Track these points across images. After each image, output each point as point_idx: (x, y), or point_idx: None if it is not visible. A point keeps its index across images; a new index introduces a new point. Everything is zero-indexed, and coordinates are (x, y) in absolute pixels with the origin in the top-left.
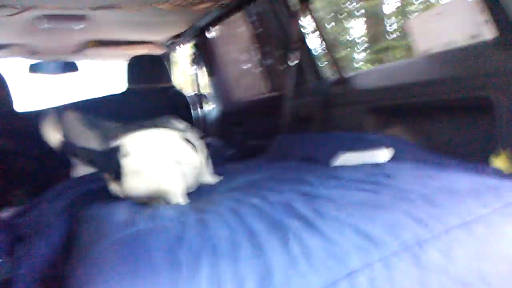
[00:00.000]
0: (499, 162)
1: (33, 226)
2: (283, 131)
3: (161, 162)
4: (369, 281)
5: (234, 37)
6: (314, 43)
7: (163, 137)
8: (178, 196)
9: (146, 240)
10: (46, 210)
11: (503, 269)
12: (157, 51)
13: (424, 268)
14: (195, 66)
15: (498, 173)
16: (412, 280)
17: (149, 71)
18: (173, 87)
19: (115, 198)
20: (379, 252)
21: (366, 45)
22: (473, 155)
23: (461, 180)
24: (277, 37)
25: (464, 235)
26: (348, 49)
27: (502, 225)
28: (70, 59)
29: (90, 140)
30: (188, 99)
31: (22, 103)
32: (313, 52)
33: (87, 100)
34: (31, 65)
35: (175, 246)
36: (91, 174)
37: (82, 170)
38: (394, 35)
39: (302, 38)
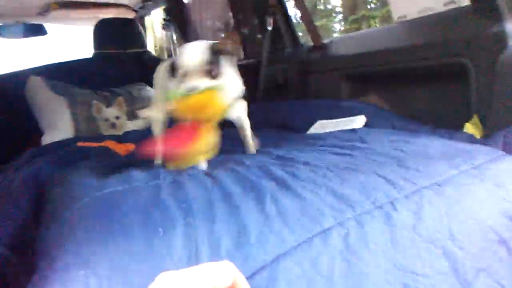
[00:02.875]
0: (470, 127)
1: (2, 192)
2: (259, 98)
3: None
4: (342, 238)
5: (208, 0)
6: (293, 8)
7: None
8: None
9: (119, 201)
10: (15, 176)
11: (470, 227)
12: (127, 15)
13: (395, 226)
14: (166, 31)
15: (470, 138)
16: (383, 237)
17: (119, 35)
18: (147, 52)
19: (86, 163)
20: (352, 211)
21: (341, 15)
22: (447, 121)
23: (433, 144)
24: (254, 1)
25: (434, 195)
26: (324, 19)
27: (471, 186)
28: (34, 22)
29: (59, 107)
30: None
31: None
32: (292, 18)
33: (54, 64)
34: None
35: (149, 207)
36: (60, 141)
37: (51, 137)
38: (372, 5)
39: (279, 2)
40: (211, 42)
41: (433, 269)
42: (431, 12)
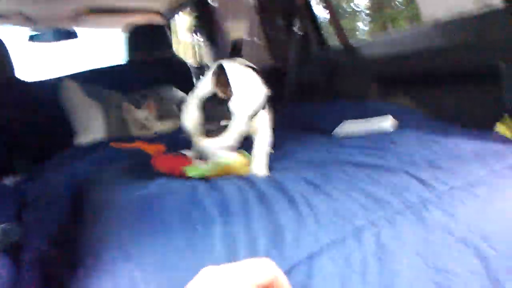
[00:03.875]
0: (502, 127)
1: (40, 192)
2: (286, 100)
3: None
4: (375, 237)
5: (236, 4)
6: (320, 11)
7: None
8: None
9: (160, 201)
10: (52, 176)
11: (503, 227)
12: (156, 20)
13: (428, 226)
14: (195, 36)
15: (502, 139)
16: (416, 237)
17: (149, 40)
18: (174, 55)
19: (120, 164)
20: (384, 211)
21: (366, 15)
22: (479, 123)
23: (465, 145)
24: (281, 4)
25: (466, 195)
26: (347, 19)
27: (503, 186)
28: (67, 27)
29: (93, 110)
30: (190, 67)
31: (23, 73)
32: (318, 19)
33: (88, 71)
34: (31, 35)
35: (188, 206)
36: (93, 143)
37: (84, 138)
38: (398, 4)
39: (307, 5)
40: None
41: (465, 268)
42: (462, 14)
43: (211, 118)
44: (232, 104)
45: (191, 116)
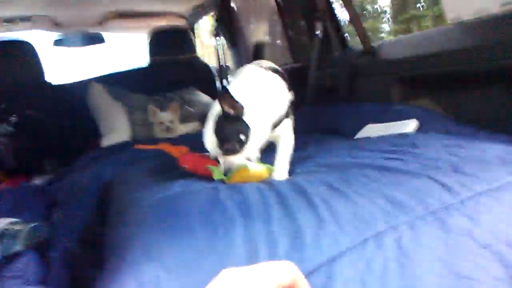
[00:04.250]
0: None
1: (67, 191)
2: (307, 102)
3: None
4: (396, 241)
5: (257, 6)
6: (340, 12)
7: None
8: None
9: (181, 202)
10: (79, 176)
11: None
12: (179, 22)
13: (450, 231)
14: (217, 37)
15: None
16: (437, 242)
17: (172, 43)
18: (197, 58)
19: (144, 165)
20: (405, 216)
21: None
22: (503, 126)
23: (489, 149)
24: (303, 5)
25: (490, 201)
26: (371, 20)
27: None
28: (92, 31)
29: (118, 112)
30: (212, 70)
31: (51, 76)
32: (340, 21)
33: (113, 73)
34: (56, 39)
35: (209, 208)
36: (118, 144)
37: (110, 139)
38: (422, 3)
39: (328, 6)
40: (219, 108)
41: (489, 275)
42: (486, 13)
43: (229, 136)
44: (247, 118)
45: (210, 137)
